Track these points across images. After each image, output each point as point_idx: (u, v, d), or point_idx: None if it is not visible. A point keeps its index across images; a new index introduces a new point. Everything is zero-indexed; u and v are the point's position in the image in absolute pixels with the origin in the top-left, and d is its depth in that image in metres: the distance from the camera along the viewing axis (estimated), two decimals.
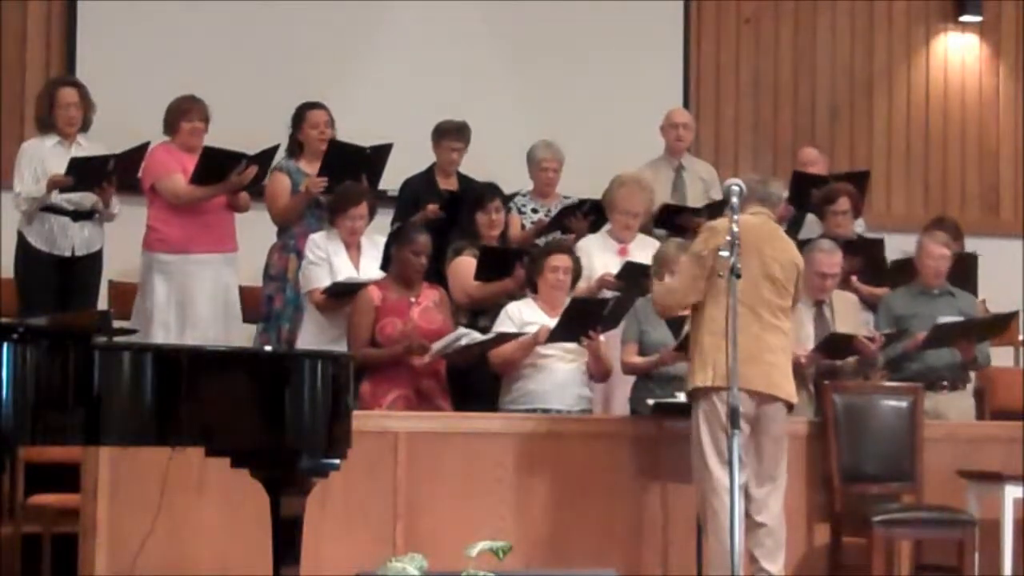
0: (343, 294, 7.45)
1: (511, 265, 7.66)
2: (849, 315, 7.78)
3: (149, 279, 7.96)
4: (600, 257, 7.93)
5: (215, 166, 7.81)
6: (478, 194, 8.10)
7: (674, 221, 8.54)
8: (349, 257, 7.60)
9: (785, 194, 6.59)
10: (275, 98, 8.97)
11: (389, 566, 4.44)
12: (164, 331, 7.77)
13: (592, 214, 8.31)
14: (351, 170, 7.90)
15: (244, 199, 8.09)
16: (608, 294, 7.73)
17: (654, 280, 7.22)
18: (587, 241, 8.07)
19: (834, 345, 7.51)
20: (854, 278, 8.23)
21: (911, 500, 7.25)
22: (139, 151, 7.91)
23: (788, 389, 6.57)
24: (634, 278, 7.66)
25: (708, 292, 6.43)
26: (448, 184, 8.53)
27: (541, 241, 8.24)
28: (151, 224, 7.99)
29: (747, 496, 6.39)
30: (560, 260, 7.40)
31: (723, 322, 6.10)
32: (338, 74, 9.45)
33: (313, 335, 7.48)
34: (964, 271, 8.32)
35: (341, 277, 7.48)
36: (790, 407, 6.66)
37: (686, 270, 6.60)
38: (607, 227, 8.16)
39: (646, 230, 8.30)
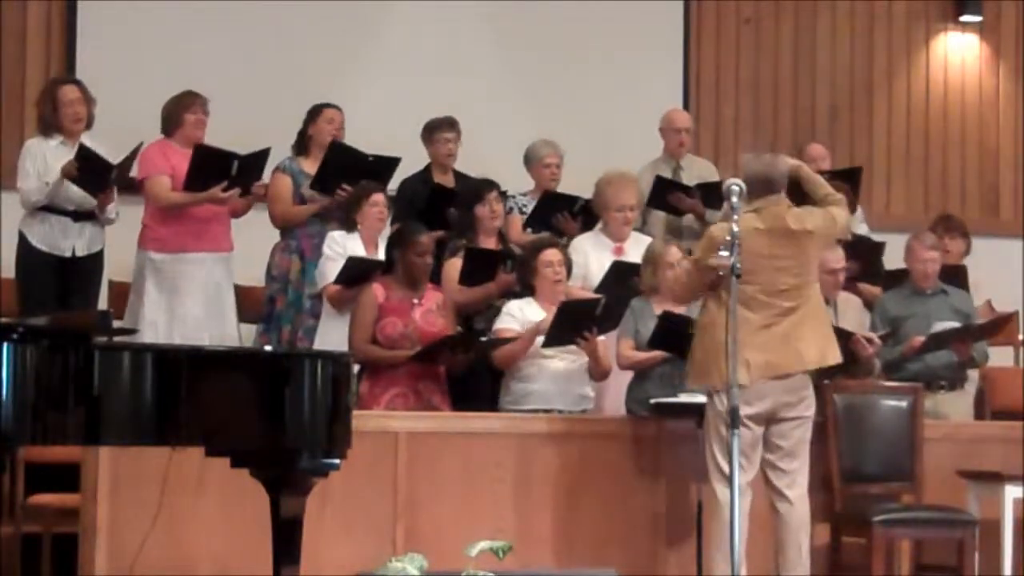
0: (356, 279, 7.34)
1: (495, 268, 7.62)
2: (853, 315, 7.79)
3: (141, 277, 7.94)
4: (595, 256, 7.88)
5: (207, 164, 7.74)
6: (475, 188, 8.09)
7: (667, 199, 8.57)
8: (367, 255, 7.55)
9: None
10: (275, 98, 9.00)
11: (389, 566, 4.44)
12: (152, 330, 7.72)
13: (582, 214, 8.29)
14: (350, 174, 7.87)
15: (243, 206, 8.05)
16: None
17: (664, 272, 7.19)
18: (581, 241, 8.03)
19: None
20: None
21: (911, 500, 7.24)
22: (134, 154, 7.84)
23: (817, 356, 6.46)
24: (623, 278, 7.63)
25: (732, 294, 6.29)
26: (445, 182, 8.48)
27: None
28: (146, 222, 7.96)
29: (770, 486, 6.45)
30: (551, 255, 7.37)
31: (755, 320, 6.29)
32: (338, 74, 9.44)
33: (333, 335, 7.36)
34: (955, 284, 8.25)
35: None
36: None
37: (689, 274, 6.62)
38: (599, 226, 8.14)
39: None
